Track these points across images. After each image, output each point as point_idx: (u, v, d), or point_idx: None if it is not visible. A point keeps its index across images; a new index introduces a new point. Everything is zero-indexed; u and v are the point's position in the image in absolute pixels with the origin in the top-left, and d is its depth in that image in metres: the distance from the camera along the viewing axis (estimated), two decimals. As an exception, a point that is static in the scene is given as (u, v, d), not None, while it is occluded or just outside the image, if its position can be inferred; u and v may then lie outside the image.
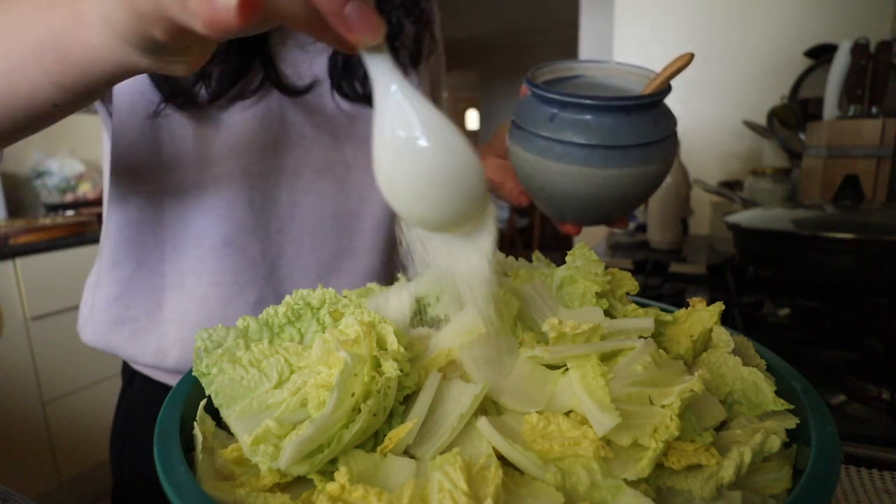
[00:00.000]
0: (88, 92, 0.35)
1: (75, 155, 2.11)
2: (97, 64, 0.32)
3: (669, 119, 0.45)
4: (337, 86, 0.55)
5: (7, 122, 0.36)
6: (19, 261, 1.53)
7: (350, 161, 0.57)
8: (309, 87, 0.54)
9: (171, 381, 0.57)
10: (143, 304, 0.53)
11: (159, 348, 0.53)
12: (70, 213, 2.03)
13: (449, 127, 0.27)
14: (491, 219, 0.30)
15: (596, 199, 0.45)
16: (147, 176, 0.52)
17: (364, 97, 0.56)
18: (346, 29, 0.24)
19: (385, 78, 0.26)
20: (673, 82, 0.44)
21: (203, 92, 0.49)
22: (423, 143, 0.26)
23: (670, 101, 0.44)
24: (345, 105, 0.56)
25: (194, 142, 0.51)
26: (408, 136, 0.26)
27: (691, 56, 0.41)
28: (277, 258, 0.55)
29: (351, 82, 0.55)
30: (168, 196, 0.52)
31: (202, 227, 0.52)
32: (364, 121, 0.58)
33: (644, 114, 0.43)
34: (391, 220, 0.60)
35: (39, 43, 0.33)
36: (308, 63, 0.54)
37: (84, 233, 1.70)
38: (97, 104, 0.53)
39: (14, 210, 2.02)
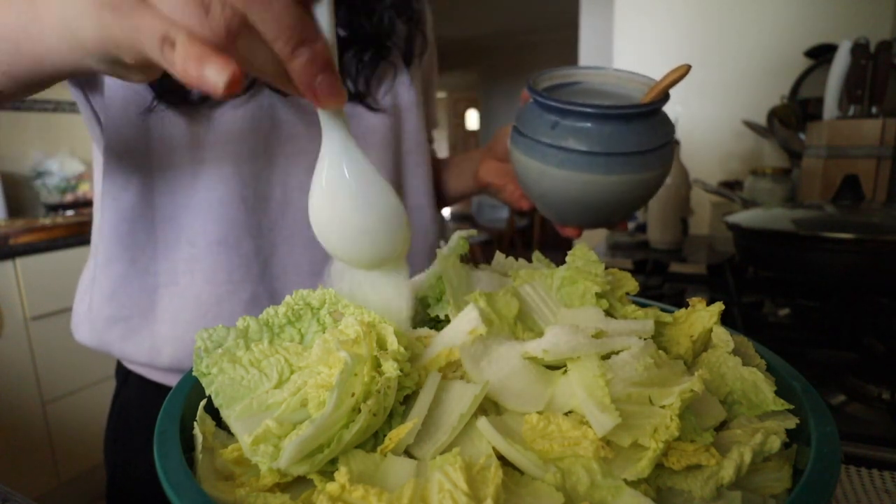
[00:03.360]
0: (37, 83, 0.36)
1: (75, 155, 2.11)
2: (48, 59, 0.32)
3: (668, 126, 0.46)
4: None
5: None
6: (19, 261, 1.53)
7: None
8: None
9: (165, 379, 0.57)
10: (136, 303, 0.53)
11: (153, 346, 0.53)
12: (70, 213, 2.04)
13: (381, 183, 0.32)
14: (405, 263, 0.35)
15: (596, 205, 0.46)
16: (139, 173, 0.52)
17: (356, 96, 0.56)
18: (313, 96, 0.28)
19: (335, 136, 0.31)
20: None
21: (195, 91, 0.49)
22: (357, 197, 0.32)
23: (670, 100, 0.44)
24: None
25: (186, 139, 0.51)
26: (344, 188, 0.32)
27: (688, 67, 0.43)
28: (270, 256, 0.55)
29: (342, 81, 0.55)
30: (160, 194, 0.52)
31: (195, 225, 0.52)
32: (355, 119, 0.58)
33: (644, 122, 0.44)
34: None
35: None
36: None
37: (84, 233, 1.70)
38: (81, 103, 0.54)
39: (14, 210, 2.02)
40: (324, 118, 0.31)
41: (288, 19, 0.25)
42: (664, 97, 0.44)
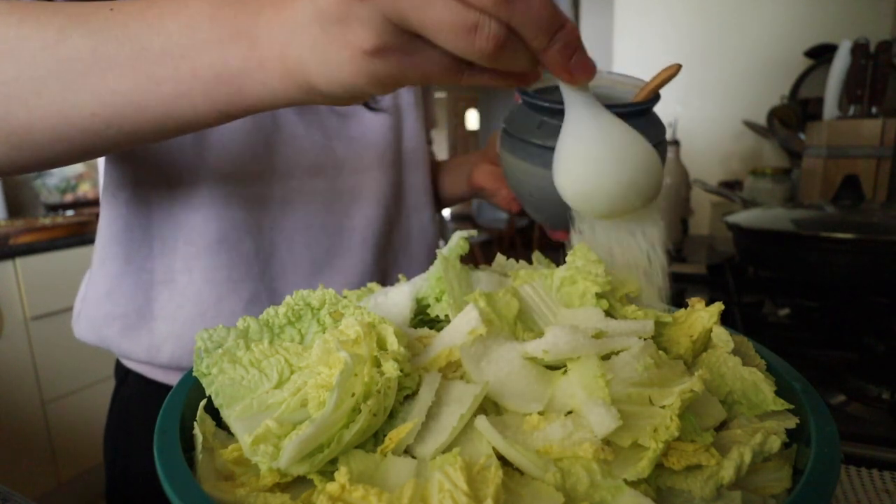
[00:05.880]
0: (246, 114, 0.35)
1: (75, 155, 2.11)
2: (269, 100, 0.33)
3: (658, 128, 0.46)
4: None
5: (155, 135, 0.36)
6: (19, 261, 1.53)
7: (341, 160, 0.58)
8: None
9: (165, 377, 0.57)
10: (132, 301, 0.54)
11: (151, 344, 0.53)
12: (70, 213, 2.04)
13: (635, 136, 0.35)
14: (658, 210, 0.38)
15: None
16: (137, 171, 0.52)
17: None
18: (569, 75, 0.30)
19: (583, 100, 0.34)
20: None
21: None
22: (617, 147, 0.34)
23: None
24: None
25: (187, 138, 0.51)
26: (603, 141, 0.34)
27: (679, 67, 0.42)
28: (270, 255, 0.55)
29: None
30: (158, 193, 0.52)
31: (194, 223, 0.52)
32: (355, 120, 0.58)
33: (631, 122, 0.44)
34: (383, 219, 0.60)
35: (213, 77, 0.32)
36: None
37: (84, 233, 1.70)
38: None
39: (14, 210, 2.02)
40: (570, 90, 0.34)
41: (545, 14, 0.26)
42: (653, 98, 0.44)
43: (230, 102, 0.33)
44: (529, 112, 0.45)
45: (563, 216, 0.48)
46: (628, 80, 0.49)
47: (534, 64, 0.29)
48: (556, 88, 0.50)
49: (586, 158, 0.35)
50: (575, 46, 0.28)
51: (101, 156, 0.38)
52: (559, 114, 0.43)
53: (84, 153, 0.36)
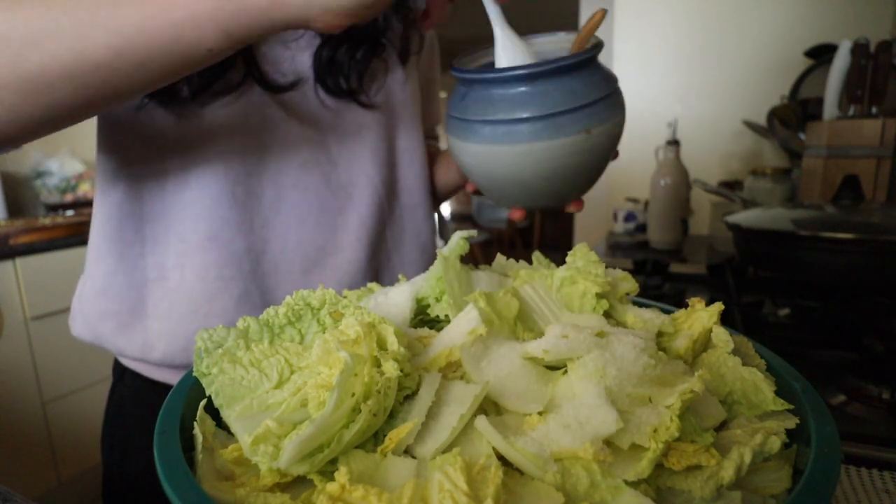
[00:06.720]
0: (245, 42, 0.37)
1: (75, 155, 2.11)
2: (271, 12, 0.34)
3: (609, 79, 0.41)
4: (321, 82, 0.55)
5: (162, 68, 0.37)
6: (19, 261, 1.53)
7: (335, 156, 0.57)
8: (292, 85, 0.54)
9: (158, 375, 0.57)
10: (125, 298, 0.54)
11: (145, 341, 0.53)
12: (70, 213, 2.04)
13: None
14: None
15: (530, 179, 0.41)
16: (127, 171, 0.52)
17: (348, 93, 0.56)
18: None
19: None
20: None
21: (185, 88, 0.49)
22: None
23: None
24: (329, 101, 0.56)
25: (176, 137, 0.51)
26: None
27: (604, 11, 0.40)
28: (262, 253, 0.55)
29: (336, 79, 0.55)
30: (149, 191, 0.52)
31: (185, 221, 0.52)
32: (349, 116, 0.57)
33: (580, 73, 0.39)
34: (376, 217, 0.60)
35: None
36: (290, 60, 0.54)
37: (84, 233, 1.70)
38: None
39: (14, 210, 2.02)
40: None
41: None
42: (596, 45, 0.41)
43: (233, 18, 0.34)
44: (458, 86, 0.42)
45: (516, 194, 0.44)
46: (556, 37, 0.46)
47: None
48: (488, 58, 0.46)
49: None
50: None
51: (112, 103, 0.39)
52: (477, 83, 0.40)
53: (97, 96, 0.37)
